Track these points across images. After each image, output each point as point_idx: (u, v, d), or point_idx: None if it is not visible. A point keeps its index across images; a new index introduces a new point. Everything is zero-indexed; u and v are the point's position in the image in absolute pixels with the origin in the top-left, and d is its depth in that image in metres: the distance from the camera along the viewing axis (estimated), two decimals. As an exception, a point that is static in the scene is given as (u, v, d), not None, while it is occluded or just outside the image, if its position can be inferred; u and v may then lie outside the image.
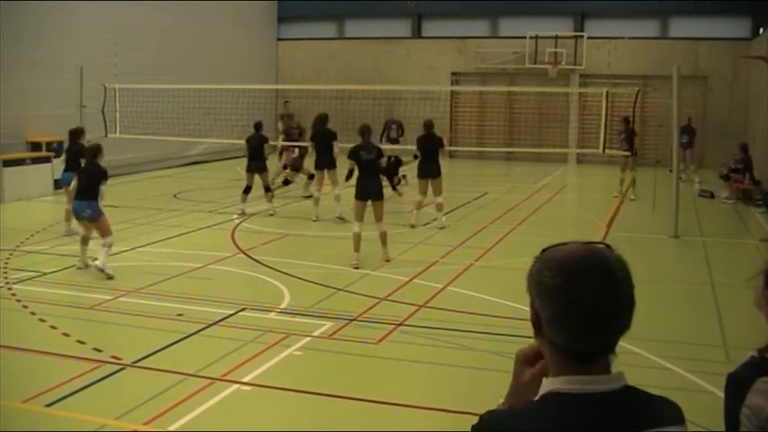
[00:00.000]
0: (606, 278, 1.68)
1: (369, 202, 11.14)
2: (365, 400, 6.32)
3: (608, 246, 1.76)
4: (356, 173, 11.36)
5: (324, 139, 14.46)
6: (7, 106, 17.08)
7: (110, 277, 9.91)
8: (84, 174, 10.59)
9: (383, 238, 11.11)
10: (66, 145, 13.95)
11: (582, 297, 1.66)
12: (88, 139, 13.30)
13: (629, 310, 1.71)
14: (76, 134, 13.08)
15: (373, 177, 11.11)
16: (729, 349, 7.70)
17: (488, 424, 1.75)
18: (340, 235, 13.34)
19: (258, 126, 15.43)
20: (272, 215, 14.88)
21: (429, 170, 13.84)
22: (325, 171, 14.59)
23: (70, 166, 12.30)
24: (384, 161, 11.93)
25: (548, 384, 1.74)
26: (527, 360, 1.83)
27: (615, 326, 1.70)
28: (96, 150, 10.72)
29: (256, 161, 14.96)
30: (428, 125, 14.23)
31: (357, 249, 10.84)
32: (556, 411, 1.68)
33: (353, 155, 11.25)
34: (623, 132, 17.51)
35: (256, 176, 14.98)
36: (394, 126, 20.12)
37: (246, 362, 7.03)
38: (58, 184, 17.51)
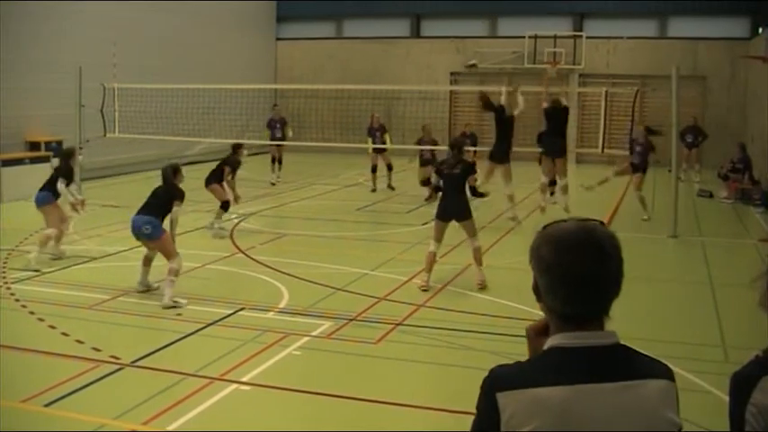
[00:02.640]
0: (596, 252, 1.91)
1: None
2: (364, 400, 6.32)
3: (602, 223, 1.99)
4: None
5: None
6: (6, 106, 17.06)
7: (179, 306, 8.80)
8: (158, 190, 9.49)
9: (477, 255, 9.92)
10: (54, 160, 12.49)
11: (573, 269, 1.89)
12: (80, 157, 12.36)
13: (618, 280, 1.94)
14: (70, 154, 11.66)
15: (454, 195, 9.90)
16: (728, 348, 7.70)
17: (497, 375, 1.95)
18: (338, 235, 13.34)
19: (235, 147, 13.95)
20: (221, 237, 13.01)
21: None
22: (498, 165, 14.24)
23: (50, 186, 11.13)
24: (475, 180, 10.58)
25: (549, 341, 1.96)
26: (538, 332, 2.04)
27: (604, 294, 1.93)
28: (175, 169, 9.58)
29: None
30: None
31: (429, 270, 9.76)
32: (556, 361, 1.91)
33: (437, 170, 10.29)
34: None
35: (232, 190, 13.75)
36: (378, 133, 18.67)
37: (245, 361, 7.03)
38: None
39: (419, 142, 17.64)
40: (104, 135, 17.18)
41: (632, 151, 15.14)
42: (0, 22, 17.06)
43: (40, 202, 11.18)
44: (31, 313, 8.48)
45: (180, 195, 9.32)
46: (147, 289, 9.37)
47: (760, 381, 2.15)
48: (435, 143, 17.54)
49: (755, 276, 2.36)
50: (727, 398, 2.23)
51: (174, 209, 9.22)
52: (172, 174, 9.51)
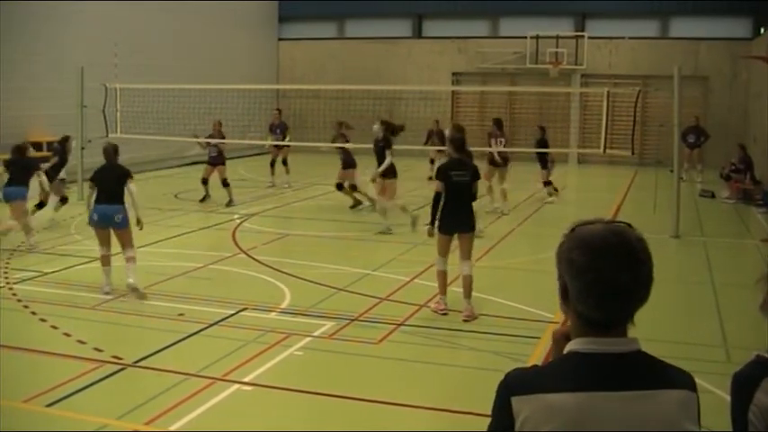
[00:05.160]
0: (628, 257, 1.88)
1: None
2: (366, 400, 6.32)
3: (629, 225, 1.96)
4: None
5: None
6: (8, 106, 17.09)
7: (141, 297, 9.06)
8: (108, 176, 9.56)
9: (467, 284, 8.57)
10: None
11: (606, 274, 1.86)
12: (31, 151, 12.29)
13: (648, 285, 1.90)
14: (22, 149, 11.96)
15: (464, 205, 8.69)
16: (730, 349, 7.70)
17: (513, 379, 1.94)
18: (340, 235, 13.34)
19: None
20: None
21: None
22: None
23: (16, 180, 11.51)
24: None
25: (569, 345, 1.94)
26: (564, 337, 2.01)
27: (634, 299, 1.89)
28: (116, 149, 9.83)
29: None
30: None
31: (443, 292, 8.69)
32: (573, 367, 1.90)
33: (442, 174, 8.74)
34: None
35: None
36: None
37: (247, 362, 7.03)
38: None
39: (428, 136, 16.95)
40: (106, 135, 17.12)
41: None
42: (1, 23, 17.08)
43: None
44: (33, 313, 8.48)
45: (130, 173, 9.67)
46: (109, 291, 9.21)
47: (762, 381, 2.15)
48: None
49: (757, 278, 2.36)
50: (728, 398, 2.23)
51: (131, 186, 9.51)
52: (114, 153, 9.75)
